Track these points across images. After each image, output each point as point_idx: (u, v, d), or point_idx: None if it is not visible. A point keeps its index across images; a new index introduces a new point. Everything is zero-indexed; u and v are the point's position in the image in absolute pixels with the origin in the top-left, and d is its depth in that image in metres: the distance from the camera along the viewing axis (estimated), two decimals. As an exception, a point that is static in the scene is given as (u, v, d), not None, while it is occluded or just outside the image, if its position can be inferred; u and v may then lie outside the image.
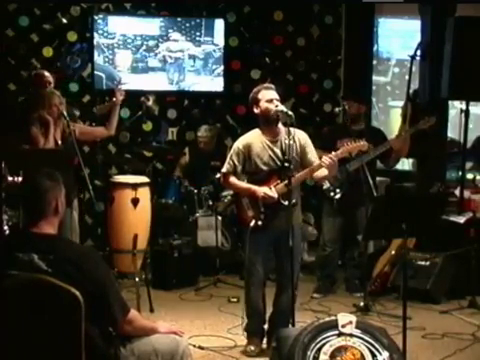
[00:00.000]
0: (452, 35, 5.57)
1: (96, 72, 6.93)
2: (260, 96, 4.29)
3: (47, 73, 5.59)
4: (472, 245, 5.58)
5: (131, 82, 6.95)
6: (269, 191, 4.22)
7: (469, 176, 6.21)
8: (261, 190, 4.23)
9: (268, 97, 4.27)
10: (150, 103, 6.43)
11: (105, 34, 6.91)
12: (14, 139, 4.89)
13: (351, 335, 3.27)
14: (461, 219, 5.76)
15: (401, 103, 6.54)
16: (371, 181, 5.23)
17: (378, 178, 6.51)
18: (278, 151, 4.27)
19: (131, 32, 6.98)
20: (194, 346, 4.27)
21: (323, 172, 4.29)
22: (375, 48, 7.43)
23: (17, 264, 2.70)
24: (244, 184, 4.35)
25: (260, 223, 4.24)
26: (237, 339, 4.59)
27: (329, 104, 7.39)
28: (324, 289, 5.84)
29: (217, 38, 7.11)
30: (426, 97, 6.12)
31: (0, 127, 5.58)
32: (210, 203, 6.40)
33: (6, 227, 4.71)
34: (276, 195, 4.21)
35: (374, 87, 7.47)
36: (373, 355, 3.23)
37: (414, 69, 6.34)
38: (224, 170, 4.40)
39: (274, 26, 7.32)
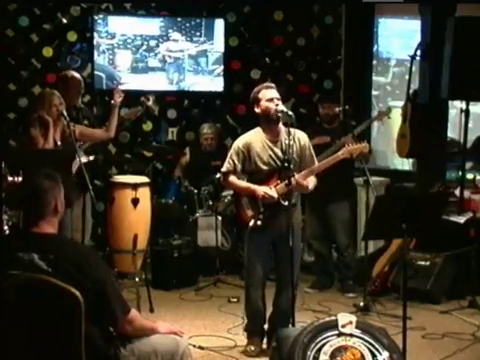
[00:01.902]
0: (452, 35, 5.56)
1: (96, 72, 6.92)
2: (261, 95, 4.29)
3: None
4: (472, 245, 5.58)
5: (131, 82, 6.94)
6: (269, 190, 4.22)
7: (469, 176, 6.19)
8: (261, 189, 4.22)
9: (269, 96, 4.27)
10: (150, 103, 6.42)
11: (105, 34, 6.90)
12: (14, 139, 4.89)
13: (351, 335, 3.27)
14: (461, 219, 5.75)
15: (401, 103, 6.53)
16: (371, 180, 5.23)
17: (378, 178, 6.52)
18: (278, 151, 4.27)
19: (131, 32, 6.96)
20: (194, 346, 4.28)
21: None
22: (375, 48, 7.42)
23: (17, 264, 2.70)
24: (244, 183, 4.34)
25: (259, 223, 4.24)
26: (237, 339, 4.59)
27: (329, 104, 7.37)
28: (319, 284, 5.89)
29: (217, 38, 7.10)
30: (426, 97, 6.11)
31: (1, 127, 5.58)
32: (210, 203, 6.39)
33: (6, 227, 4.70)
34: (276, 195, 4.21)
35: (374, 87, 7.46)
36: (373, 355, 3.23)
37: (414, 69, 6.33)
38: (224, 169, 4.39)
39: (274, 26, 7.31)
